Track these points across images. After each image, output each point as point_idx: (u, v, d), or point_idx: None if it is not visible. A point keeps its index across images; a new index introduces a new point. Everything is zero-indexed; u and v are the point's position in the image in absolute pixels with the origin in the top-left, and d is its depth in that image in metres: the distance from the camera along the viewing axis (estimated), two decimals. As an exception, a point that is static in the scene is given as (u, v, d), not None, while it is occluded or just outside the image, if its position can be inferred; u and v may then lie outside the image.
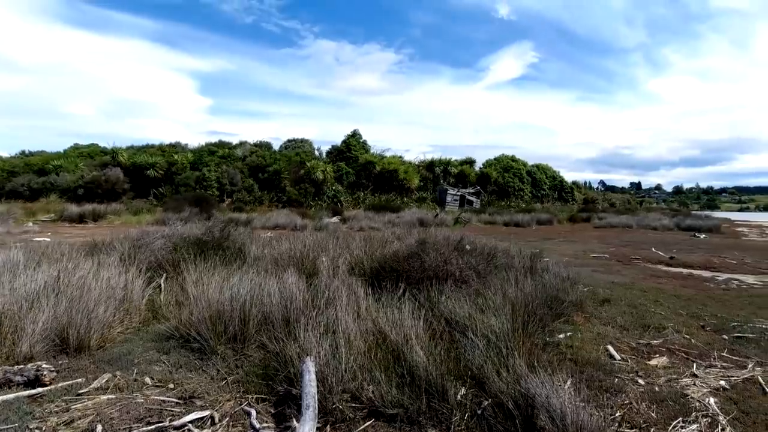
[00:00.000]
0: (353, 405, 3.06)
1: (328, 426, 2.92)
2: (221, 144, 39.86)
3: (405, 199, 35.63)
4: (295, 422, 2.81)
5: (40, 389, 3.22)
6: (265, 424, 2.89)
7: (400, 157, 41.11)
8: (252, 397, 3.25)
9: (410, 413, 2.95)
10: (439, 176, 40.93)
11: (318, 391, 2.96)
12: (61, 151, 38.60)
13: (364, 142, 40.71)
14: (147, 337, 4.38)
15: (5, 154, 37.93)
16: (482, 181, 42.96)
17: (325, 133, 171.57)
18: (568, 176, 73.63)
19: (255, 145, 41.09)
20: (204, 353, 3.93)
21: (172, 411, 3.04)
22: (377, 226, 18.99)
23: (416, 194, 37.76)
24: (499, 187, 43.90)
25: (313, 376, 3.03)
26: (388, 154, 40.67)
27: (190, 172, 32.09)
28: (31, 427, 2.75)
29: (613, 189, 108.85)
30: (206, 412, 3.01)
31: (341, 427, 2.93)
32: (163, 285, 5.85)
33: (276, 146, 42.72)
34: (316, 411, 2.81)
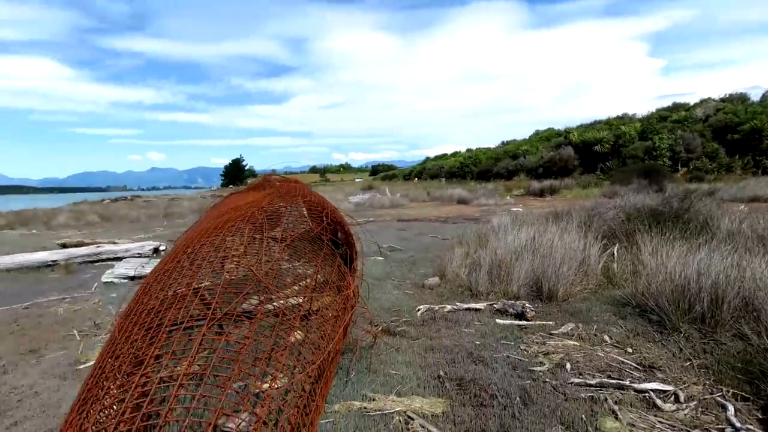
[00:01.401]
0: None
1: None
2: (674, 107, 34.83)
3: None
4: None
5: (524, 322, 4.03)
6: (749, 426, 2.42)
7: None
8: (727, 391, 2.79)
9: None
10: None
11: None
12: (526, 137, 45.24)
13: None
14: (603, 300, 4.56)
15: (491, 146, 48.43)
16: None
17: None
18: None
19: (722, 100, 33.29)
20: (663, 327, 3.69)
21: (631, 373, 3.06)
22: None
23: None
24: None
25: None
26: None
27: (638, 143, 29.91)
28: (521, 347, 3.50)
29: None
30: (669, 387, 2.84)
31: None
32: (616, 253, 5.88)
33: (755, 97, 32.94)
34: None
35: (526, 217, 8.50)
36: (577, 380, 2.95)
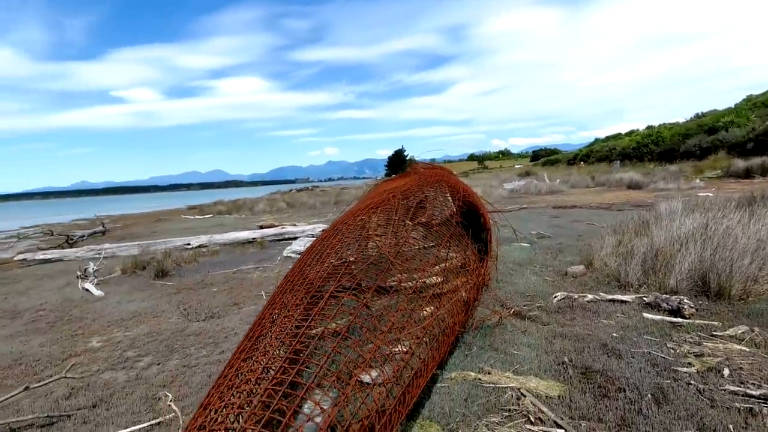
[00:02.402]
0: None
1: None
2: None
3: None
4: None
5: (679, 319, 3.54)
6: None
7: None
8: None
9: None
10: None
11: None
12: (732, 106, 36.60)
13: None
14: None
15: (681, 120, 40.66)
16: None
17: None
18: None
19: None
20: None
21: (821, 390, 2.48)
22: None
23: None
24: None
25: None
26: None
27: None
28: (667, 345, 3.12)
29: None
30: None
31: None
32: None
33: None
34: None
35: (710, 202, 7.12)
36: (733, 388, 2.53)
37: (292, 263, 7.32)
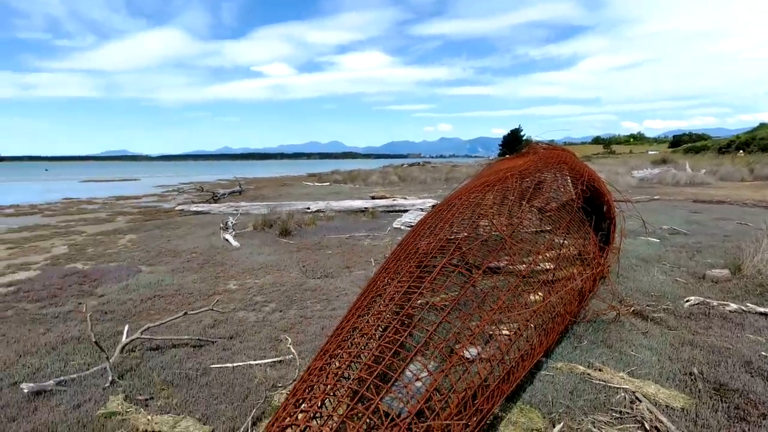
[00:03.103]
0: None
1: None
2: None
3: None
4: None
5: None
6: None
7: None
8: None
9: None
10: None
11: None
12: None
13: None
14: None
15: None
16: None
17: None
18: None
19: None
20: None
21: None
22: None
23: None
24: None
25: None
26: None
27: None
28: (836, 376, 2.58)
29: None
30: None
31: None
32: None
33: None
34: None
35: None
36: None
37: (401, 234, 7.54)
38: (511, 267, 2.67)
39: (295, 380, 2.67)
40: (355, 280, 4.89)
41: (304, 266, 5.53)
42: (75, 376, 2.71)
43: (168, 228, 8.97)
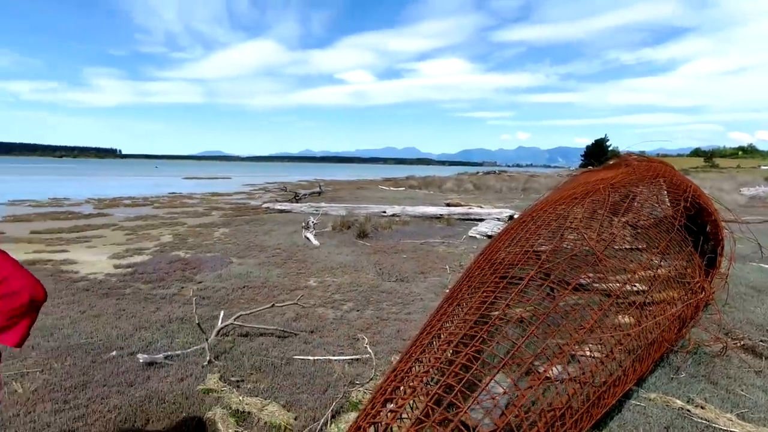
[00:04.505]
0: None
1: None
2: None
3: None
4: None
5: None
6: None
7: None
8: None
9: None
10: None
11: None
12: None
13: None
14: None
15: None
16: None
17: None
18: None
19: None
20: None
21: None
22: None
23: None
24: None
25: None
26: None
27: None
28: None
29: None
30: None
31: None
32: None
33: None
34: None
35: None
36: None
37: (477, 243, 7.39)
38: (598, 285, 2.49)
39: (372, 379, 2.73)
40: (429, 286, 4.88)
41: (380, 268, 5.63)
42: (179, 352, 3.00)
43: (255, 224, 9.63)
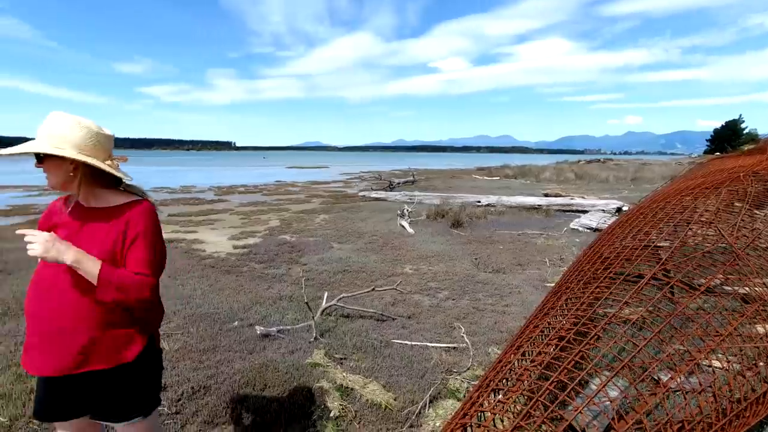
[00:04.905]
0: None
1: None
2: None
3: None
4: None
5: None
6: None
7: None
8: None
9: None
10: None
11: None
12: None
13: None
14: None
15: None
16: None
17: None
18: None
19: None
20: None
21: None
22: None
23: None
24: None
25: None
26: None
27: None
28: None
29: None
30: None
31: None
32: None
33: None
34: None
35: None
36: None
37: (579, 236, 6.87)
38: (730, 288, 2.16)
39: (469, 368, 2.72)
40: (528, 279, 4.67)
41: (475, 258, 5.53)
42: (290, 327, 3.28)
43: (352, 211, 10.05)
